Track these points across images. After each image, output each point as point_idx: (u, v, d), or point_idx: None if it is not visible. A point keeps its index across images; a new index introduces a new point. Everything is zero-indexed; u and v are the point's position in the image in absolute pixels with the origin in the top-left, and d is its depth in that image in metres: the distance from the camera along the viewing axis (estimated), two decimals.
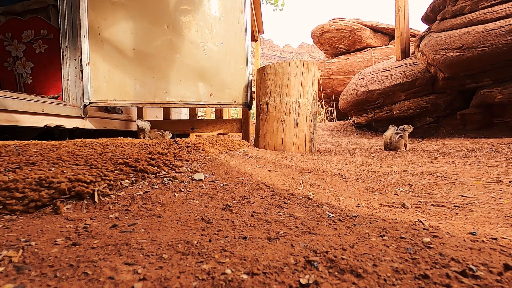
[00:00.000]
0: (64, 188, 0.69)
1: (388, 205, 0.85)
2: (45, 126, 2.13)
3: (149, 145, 1.48)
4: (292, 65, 2.83)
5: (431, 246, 0.46)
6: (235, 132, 3.02)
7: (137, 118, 3.01)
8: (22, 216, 0.62)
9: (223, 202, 0.76)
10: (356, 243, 0.49)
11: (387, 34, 10.04)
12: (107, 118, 2.90)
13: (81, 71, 2.52)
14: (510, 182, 1.20)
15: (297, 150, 2.81)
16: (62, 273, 0.39)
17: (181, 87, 2.68)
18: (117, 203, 0.71)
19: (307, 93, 2.86)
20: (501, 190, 1.04)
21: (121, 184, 0.79)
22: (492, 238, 0.50)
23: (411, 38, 7.18)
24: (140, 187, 0.82)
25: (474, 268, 0.39)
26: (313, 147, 2.94)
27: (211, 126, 3.05)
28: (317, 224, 0.61)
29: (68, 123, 2.37)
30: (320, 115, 9.66)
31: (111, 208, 0.69)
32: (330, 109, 9.97)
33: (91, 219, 0.62)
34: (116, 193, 0.76)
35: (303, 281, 0.37)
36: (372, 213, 0.71)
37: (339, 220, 0.64)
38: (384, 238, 0.51)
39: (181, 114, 5.38)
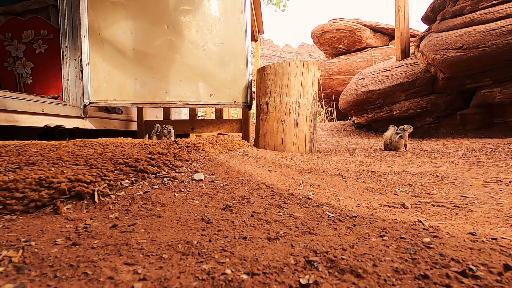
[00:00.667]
0: (64, 188, 0.69)
1: (388, 205, 0.85)
2: (45, 126, 2.13)
3: (149, 145, 1.48)
4: (292, 65, 2.83)
5: (431, 246, 0.46)
6: (235, 132, 3.02)
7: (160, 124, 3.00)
8: (22, 216, 0.62)
9: (223, 202, 0.76)
10: (356, 243, 0.49)
11: (387, 34, 10.04)
12: (107, 118, 2.90)
13: (81, 71, 2.52)
14: (510, 182, 1.20)
15: (297, 150, 2.81)
16: (62, 273, 0.39)
17: (181, 87, 2.68)
18: (117, 203, 0.71)
19: (307, 93, 2.86)
20: (501, 190, 1.04)
21: (121, 184, 0.79)
22: (492, 238, 0.50)
23: (411, 38, 7.18)
24: (140, 187, 0.82)
25: (474, 268, 0.39)
26: (313, 147, 2.94)
27: (211, 126, 3.05)
28: (317, 224, 0.61)
29: (68, 123, 2.37)
30: (320, 115, 9.66)
31: (111, 208, 0.69)
32: (330, 109, 9.97)
33: (91, 219, 0.62)
34: (116, 193, 0.76)
35: (303, 281, 0.37)
36: (372, 213, 0.71)
37: (339, 220, 0.64)
38: (384, 238, 0.51)
39: (181, 114, 5.38)
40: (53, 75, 2.91)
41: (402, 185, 1.15)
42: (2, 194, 0.65)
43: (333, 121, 9.49)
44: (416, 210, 0.80)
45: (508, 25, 4.19)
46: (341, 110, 7.52)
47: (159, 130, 2.57)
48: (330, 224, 0.61)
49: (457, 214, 0.76)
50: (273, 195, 0.85)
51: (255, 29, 5.43)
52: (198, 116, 6.24)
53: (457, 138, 4.46)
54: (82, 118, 2.54)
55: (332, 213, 0.69)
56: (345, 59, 9.96)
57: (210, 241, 0.51)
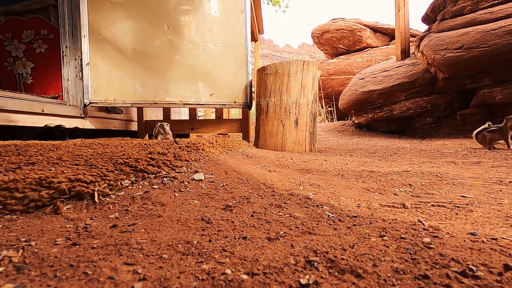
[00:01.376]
0: (64, 188, 0.69)
1: (388, 205, 0.85)
2: (45, 126, 2.13)
3: (149, 145, 1.48)
4: (292, 65, 2.83)
5: (431, 246, 0.46)
6: (235, 132, 3.02)
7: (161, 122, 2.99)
8: (22, 216, 0.62)
9: (223, 202, 0.76)
10: (356, 243, 0.49)
11: (387, 34, 10.04)
12: (107, 118, 2.90)
13: (81, 71, 2.52)
14: (510, 182, 1.20)
15: (297, 150, 2.81)
16: (62, 273, 0.39)
17: (181, 87, 2.68)
18: (117, 203, 0.71)
19: (307, 93, 2.86)
20: (501, 191, 1.04)
21: (121, 184, 0.79)
22: (492, 239, 0.50)
23: (411, 38, 7.18)
24: (140, 187, 0.82)
25: (474, 268, 0.39)
26: (313, 147, 2.94)
27: (211, 126, 3.05)
28: (317, 224, 0.61)
29: (68, 123, 2.37)
30: (320, 115, 9.66)
31: (111, 208, 0.69)
32: (330, 109, 9.97)
33: (91, 219, 0.62)
34: (116, 193, 0.76)
35: (303, 281, 0.37)
36: (372, 213, 0.71)
37: (339, 220, 0.64)
38: (384, 238, 0.51)
39: (181, 114, 5.38)
40: (53, 75, 2.91)
41: (402, 185, 1.14)
42: (2, 194, 0.65)
43: (333, 121, 9.49)
44: (416, 210, 0.80)
45: (508, 25, 4.19)
46: (341, 110, 7.52)
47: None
48: (330, 224, 0.61)
49: (457, 214, 0.76)
50: (273, 195, 0.85)
51: (255, 29, 5.43)
52: (198, 116, 6.24)
53: (457, 138, 4.46)
54: (82, 118, 2.54)
55: (332, 213, 0.69)
56: (345, 59, 9.96)
57: (210, 241, 0.51)
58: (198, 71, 2.69)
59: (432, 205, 0.85)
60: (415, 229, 0.55)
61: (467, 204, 0.85)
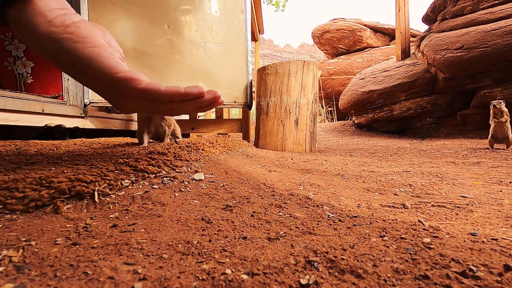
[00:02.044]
0: (64, 187, 0.69)
1: (388, 206, 0.85)
2: (45, 125, 2.13)
3: (149, 145, 1.48)
4: (292, 65, 2.83)
5: (431, 246, 0.46)
6: (235, 132, 3.02)
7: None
8: (22, 216, 0.62)
9: (223, 202, 0.76)
10: (356, 243, 0.49)
11: (388, 34, 10.03)
12: (108, 118, 2.90)
13: None
14: (510, 182, 1.20)
15: (297, 150, 2.81)
16: (62, 272, 0.39)
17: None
18: (117, 203, 0.71)
19: (307, 93, 2.86)
20: (501, 191, 1.04)
21: (121, 184, 0.79)
22: (493, 239, 0.50)
23: (411, 39, 7.19)
24: (140, 187, 0.82)
25: (474, 268, 0.39)
26: (313, 147, 2.94)
27: (211, 126, 3.05)
28: (317, 224, 0.61)
29: (69, 123, 2.37)
30: (320, 115, 9.66)
31: (111, 208, 0.69)
32: (330, 109, 9.96)
33: (91, 218, 0.62)
34: (116, 193, 0.76)
35: (303, 281, 0.37)
36: (372, 214, 0.71)
37: (339, 220, 0.64)
38: (384, 238, 0.51)
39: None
40: (53, 74, 2.91)
41: (402, 185, 1.14)
42: (2, 194, 0.65)
43: (333, 121, 9.48)
44: (416, 210, 0.80)
45: (508, 25, 4.19)
46: (341, 110, 7.51)
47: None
48: (330, 224, 0.61)
49: (457, 214, 0.76)
50: (273, 195, 0.85)
51: (255, 29, 5.43)
52: (199, 116, 6.24)
53: (457, 139, 4.46)
54: (83, 117, 2.54)
55: (332, 213, 0.69)
56: (345, 59, 9.95)
57: (210, 241, 0.51)
58: (198, 71, 2.69)
59: (432, 205, 0.85)
60: (415, 229, 0.55)
61: (467, 204, 0.85)
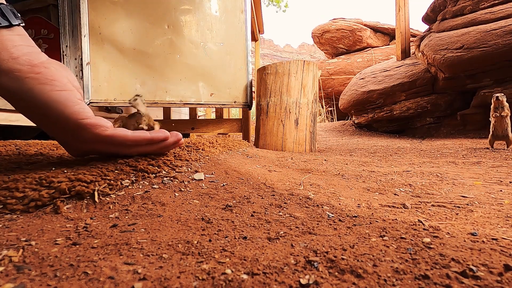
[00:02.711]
0: (65, 187, 0.69)
1: (388, 205, 0.85)
2: None
3: None
4: (292, 65, 2.83)
5: (431, 246, 0.46)
6: (235, 132, 3.02)
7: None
8: (22, 216, 0.62)
9: (223, 202, 0.76)
10: (356, 243, 0.49)
11: (388, 34, 10.03)
12: (108, 117, 2.90)
13: (81, 70, 2.52)
14: (510, 182, 1.20)
15: (297, 150, 2.81)
16: (62, 272, 0.39)
17: (181, 87, 2.68)
18: (117, 202, 0.71)
19: (307, 93, 2.86)
20: (501, 191, 1.04)
21: (121, 183, 0.79)
22: (493, 239, 0.50)
23: (411, 38, 7.19)
24: (140, 186, 0.82)
25: (474, 268, 0.39)
26: (313, 147, 2.95)
27: (211, 126, 3.05)
28: (317, 224, 0.61)
29: None
30: (320, 115, 9.65)
31: (111, 207, 0.69)
32: (330, 109, 9.96)
33: (91, 218, 0.62)
34: (116, 192, 0.76)
35: (303, 281, 0.37)
36: (372, 213, 0.71)
37: (339, 220, 0.64)
38: (384, 238, 0.51)
39: (181, 114, 5.38)
40: None
41: (403, 185, 1.14)
42: (2, 194, 0.65)
43: (333, 121, 9.48)
44: (416, 210, 0.80)
45: (508, 25, 4.19)
46: (341, 110, 7.51)
47: None
48: (330, 224, 0.61)
49: (457, 214, 0.76)
50: (273, 195, 0.85)
51: (255, 28, 5.43)
52: (199, 116, 6.24)
53: (457, 138, 4.46)
54: None
55: (332, 213, 0.69)
56: (345, 59, 9.95)
57: (210, 241, 0.51)
58: (198, 70, 2.69)
59: (432, 205, 0.85)
60: (415, 229, 0.55)
61: (467, 204, 0.85)
